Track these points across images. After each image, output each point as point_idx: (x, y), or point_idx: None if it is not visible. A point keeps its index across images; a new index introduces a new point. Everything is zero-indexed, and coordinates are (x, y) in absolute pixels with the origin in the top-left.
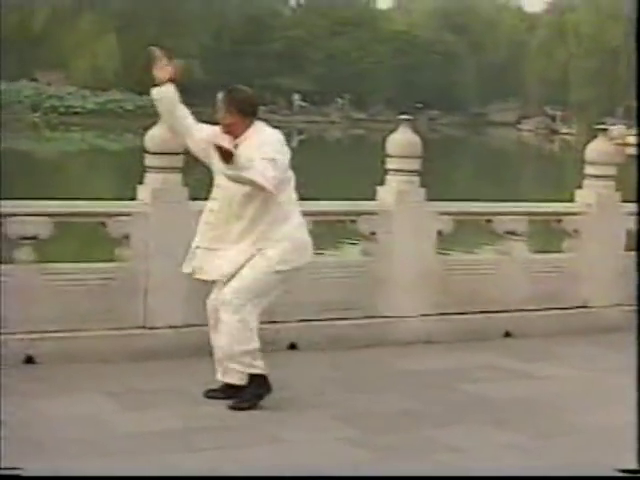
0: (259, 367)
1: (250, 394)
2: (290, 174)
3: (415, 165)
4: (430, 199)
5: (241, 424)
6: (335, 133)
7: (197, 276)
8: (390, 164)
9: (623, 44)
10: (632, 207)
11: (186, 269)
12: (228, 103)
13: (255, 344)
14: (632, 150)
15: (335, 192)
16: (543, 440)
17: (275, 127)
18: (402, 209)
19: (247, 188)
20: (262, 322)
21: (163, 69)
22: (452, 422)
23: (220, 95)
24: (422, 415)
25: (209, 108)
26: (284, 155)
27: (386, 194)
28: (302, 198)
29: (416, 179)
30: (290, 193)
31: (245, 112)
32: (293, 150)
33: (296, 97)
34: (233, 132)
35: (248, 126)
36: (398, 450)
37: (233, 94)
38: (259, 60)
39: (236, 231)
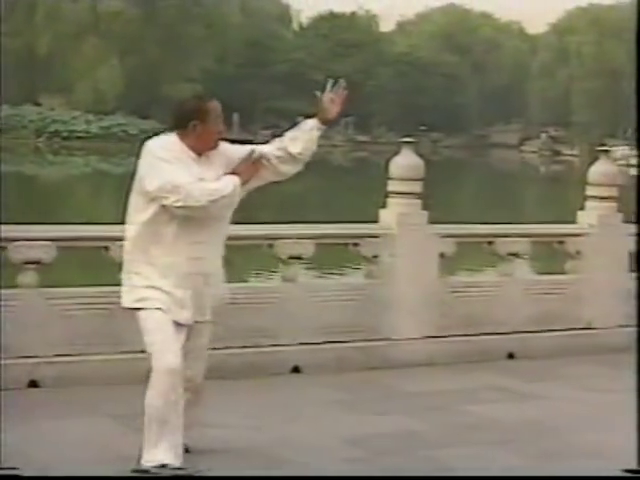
0: None
1: None
2: None
3: (417, 188)
4: (432, 222)
5: (244, 447)
6: (338, 156)
7: None
8: (392, 187)
9: (625, 65)
10: (634, 228)
11: None
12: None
13: None
14: (636, 171)
15: (338, 215)
16: (547, 462)
17: None
18: (404, 232)
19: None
20: (265, 345)
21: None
22: (456, 444)
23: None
24: (426, 436)
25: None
26: None
27: (388, 217)
28: (305, 221)
29: (418, 202)
30: None
31: None
32: (297, 173)
33: (299, 120)
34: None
35: None
36: (402, 471)
37: None
38: (262, 83)
39: None
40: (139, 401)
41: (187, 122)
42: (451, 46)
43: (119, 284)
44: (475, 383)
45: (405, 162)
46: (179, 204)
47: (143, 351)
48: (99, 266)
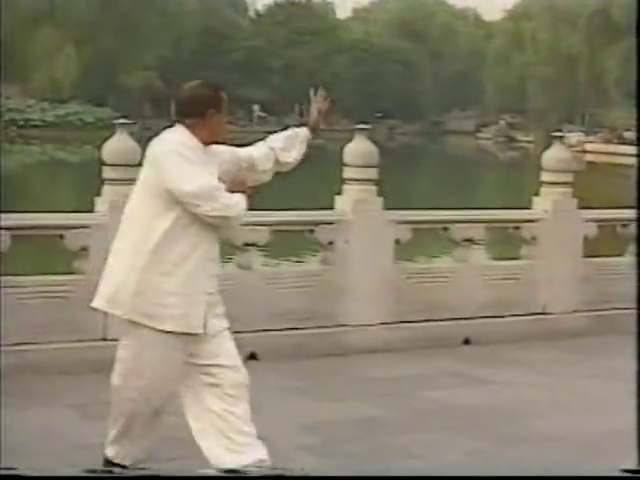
0: None
1: None
2: None
3: (372, 174)
4: (388, 208)
5: None
6: None
7: None
8: (347, 173)
9: (580, 51)
10: (589, 213)
11: None
12: None
13: None
14: (591, 157)
15: (294, 202)
16: (504, 446)
17: (234, 138)
18: (359, 218)
19: None
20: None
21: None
22: (414, 429)
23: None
24: (384, 422)
25: (167, 119)
26: None
27: (344, 203)
28: (261, 208)
29: (373, 188)
30: None
31: None
32: None
33: (255, 108)
34: None
35: None
36: (359, 457)
37: None
38: (218, 71)
39: None
40: (96, 390)
41: (204, 110)
42: (407, 33)
43: (74, 272)
44: (432, 369)
45: (359, 149)
46: (215, 213)
47: (100, 339)
48: (55, 254)
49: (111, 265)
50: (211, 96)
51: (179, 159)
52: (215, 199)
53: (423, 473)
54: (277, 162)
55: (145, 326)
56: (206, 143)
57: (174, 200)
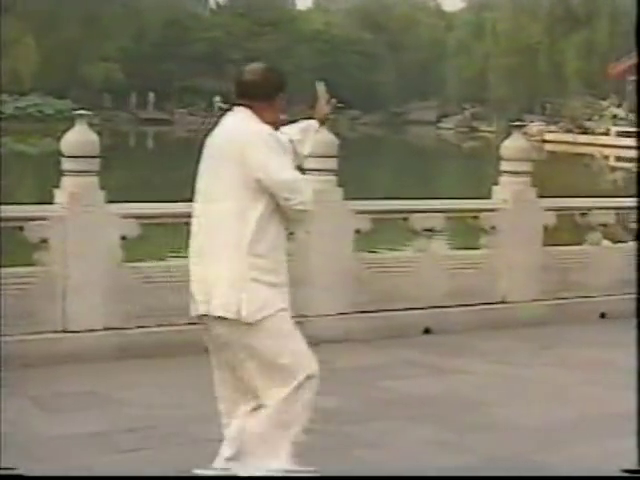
0: None
1: None
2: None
3: (332, 164)
4: (348, 198)
5: (164, 425)
6: None
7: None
8: (307, 164)
9: (541, 41)
10: (548, 202)
11: None
12: None
13: None
14: (551, 147)
15: None
16: (463, 435)
17: (196, 130)
18: (319, 208)
19: None
20: (182, 324)
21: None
22: (372, 418)
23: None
24: (342, 412)
25: (128, 111)
26: None
27: None
28: None
29: (333, 178)
30: None
31: None
32: None
33: (216, 99)
34: None
35: None
36: (317, 447)
37: None
38: (179, 62)
39: None
40: (56, 382)
41: (274, 94)
42: (368, 24)
43: (34, 264)
44: (392, 358)
45: (319, 139)
46: (302, 207)
47: (58, 331)
48: (15, 246)
49: (209, 269)
50: (281, 80)
51: (270, 149)
52: (302, 193)
53: (385, 462)
54: (296, 154)
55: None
56: (272, 127)
57: (262, 190)
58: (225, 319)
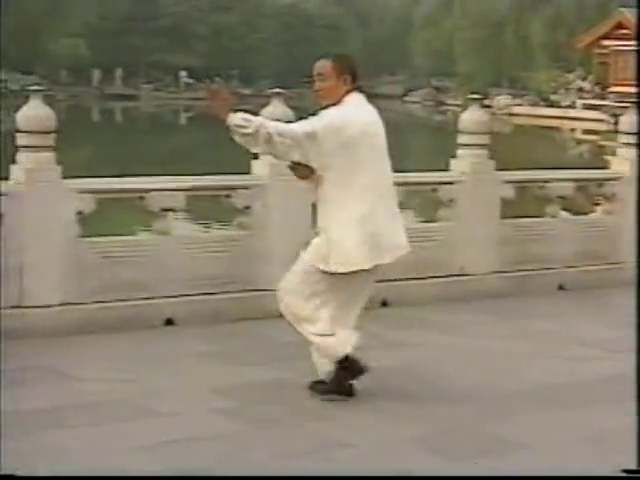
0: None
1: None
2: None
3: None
4: None
5: (115, 399)
6: None
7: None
8: None
9: (508, 15)
10: (506, 175)
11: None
12: (332, 67)
13: None
14: (518, 120)
15: (213, 167)
16: (418, 407)
17: (161, 105)
18: (275, 182)
19: None
20: (138, 298)
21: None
22: None
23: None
24: (298, 386)
25: (94, 87)
26: (324, 128)
27: (260, 168)
28: (180, 173)
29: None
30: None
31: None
32: (181, 128)
33: (183, 74)
34: (327, 97)
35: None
36: (274, 421)
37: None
38: (145, 37)
39: None
40: (9, 357)
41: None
42: None
43: None
44: None
45: (275, 113)
46: None
47: (14, 307)
48: None
49: (387, 219)
50: None
51: None
52: None
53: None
54: None
55: None
56: None
57: None
58: None
